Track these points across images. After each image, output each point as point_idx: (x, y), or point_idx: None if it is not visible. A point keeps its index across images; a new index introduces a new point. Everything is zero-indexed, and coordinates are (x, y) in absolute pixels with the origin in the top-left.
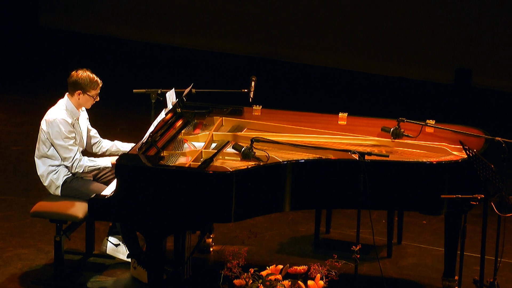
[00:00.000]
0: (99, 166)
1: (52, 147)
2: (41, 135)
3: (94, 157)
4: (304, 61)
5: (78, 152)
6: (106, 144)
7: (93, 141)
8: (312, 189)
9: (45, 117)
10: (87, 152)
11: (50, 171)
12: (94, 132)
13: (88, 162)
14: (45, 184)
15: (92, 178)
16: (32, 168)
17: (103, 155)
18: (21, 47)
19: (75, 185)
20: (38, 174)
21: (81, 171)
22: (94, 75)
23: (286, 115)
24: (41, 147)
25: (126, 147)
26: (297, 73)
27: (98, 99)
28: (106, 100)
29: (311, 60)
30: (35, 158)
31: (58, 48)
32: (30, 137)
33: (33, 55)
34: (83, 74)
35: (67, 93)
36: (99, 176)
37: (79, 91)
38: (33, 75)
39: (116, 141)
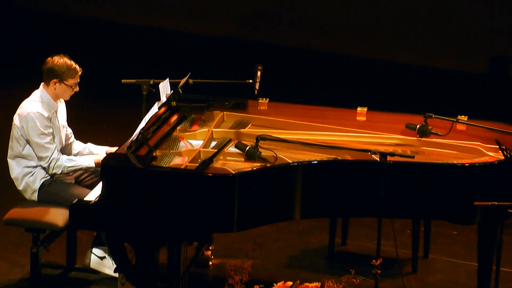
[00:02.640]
0: (81, 166)
1: (27, 145)
2: (14, 132)
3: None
4: (318, 48)
5: (56, 151)
6: (77, 146)
7: (66, 142)
8: (326, 195)
9: (18, 110)
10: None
11: (26, 173)
12: (69, 131)
13: (68, 162)
14: (20, 188)
15: (73, 181)
16: (4, 170)
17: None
18: None
19: (55, 189)
20: (12, 176)
21: (59, 172)
22: (72, 62)
23: (297, 109)
24: (14, 146)
25: (100, 150)
26: (309, 62)
27: (77, 89)
28: (89, 92)
29: (325, 47)
30: (8, 158)
31: (36, 31)
32: (2, 135)
33: (5, 39)
34: (60, 60)
35: (43, 83)
36: (82, 178)
37: (55, 80)
38: (6, 61)
39: (89, 144)
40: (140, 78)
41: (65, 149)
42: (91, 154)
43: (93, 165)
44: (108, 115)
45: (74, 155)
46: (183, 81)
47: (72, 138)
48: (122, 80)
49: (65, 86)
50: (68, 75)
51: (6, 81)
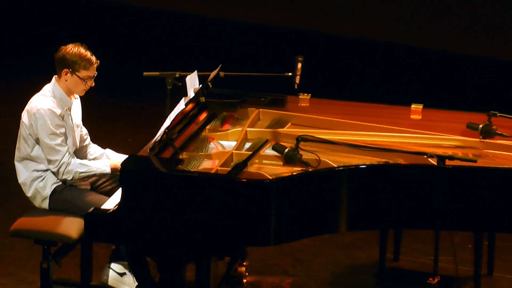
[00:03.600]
0: (94, 172)
1: (36, 146)
2: (22, 131)
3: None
4: (366, 36)
5: (67, 154)
6: (94, 151)
7: (81, 144)
8: (375, 204)
9: (27, 106)
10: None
11: (35, 178)
12: (84, 132)
13: (80, 167)
14: (29, 194)
15: (89, 187)
16: (11, 174)
17: None
18: None
19: (68, 196)
20: (19, 181)
21: (70, 178)
22: (88, 52)
23: (342, 106)
24: (22, 147)
25: (120, 158)
26: (356, 52)
27: (92, 83)
28: (106, 86)
29: (374, 35)
30: (15, 161)
31: (49, 14)
32: (9, 134)
33: (14, 23)
34: (74, 49)
35: (55, 75)
36: (99, 184)
37: (66, 70)
38: (14, 50)
39: (108, 150)
40: (164, 71)
41: (79, 153)
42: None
43: (108, 170)
44: (128, 113)
45: (91, 159)
46: (213, 74)
47: (88, 140)
48: (144, 73)
49: (77, 78)
50: (81, 65)
51: (9, 73)
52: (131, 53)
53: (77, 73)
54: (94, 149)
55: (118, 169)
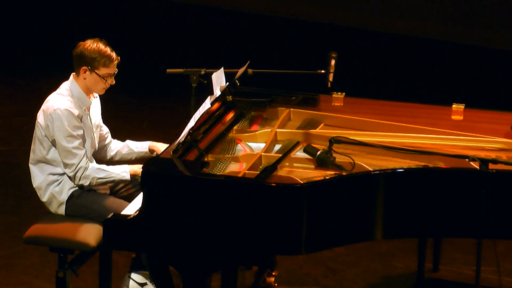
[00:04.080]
0: (113, 178)
1: (53, 148)
2: (37, 132)
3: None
4: (404, 32)
5: (84, 158)
6: (115, 146)
7: (102, 143)
8: (414, 210)
9: (43, 106)
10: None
11: (51, 182)
12: (105, 131)
13: (97, 173)
14: (44, 199)
15: (108, 192)
16: (25, 177)
17: (111, 160)
18: (12, 4)
19: (85, 201)
20: (34, 185)
21: (87, 183)
22: (108, 48)
23: (379, 106)
24: (37, 149)
25: (142, 147)
26: (394, 48)
27: (113, 82)
28: (127, 84)
29: (413, 31)
30: (30, 164)
31: (67, 8)
32: (23, 134)
33: (32, 18)
34: (93, 45)
35: (73, 73)
36: (118, 188)
37: (84, 67)
38: (30, 45)
39: (128, 141)
40: (188, 67)
41: (100, 152)
42: (131, 153)
43: (128, 177)
44: (150, 112)
45: (112, 157)
46: (241, 71)
47: (109, 139)
48: (167, 70)
49: (96, 76)
50: (101, 62)
51: (24, 70)
52: (153, 49)
53: (96, 70)
54: (114, 145)
55: (138, 175)
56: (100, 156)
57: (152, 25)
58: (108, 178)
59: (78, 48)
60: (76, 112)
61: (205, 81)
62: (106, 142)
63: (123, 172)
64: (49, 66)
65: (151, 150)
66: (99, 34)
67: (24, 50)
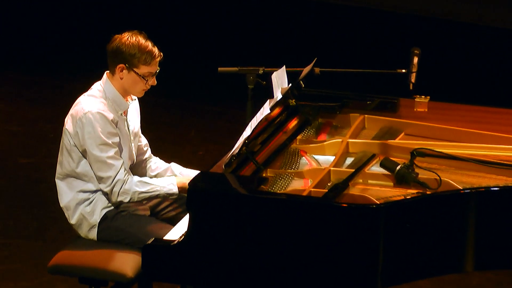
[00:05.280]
0: (158, 192)
1: (83, 160)
2: (65, 141)
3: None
4: (497, 24)
5: (122, 169)
6: (156, 166)
7: (140, 157)
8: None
9: (72, 110)
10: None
11: (81, 201)
12: (143, 142)
13: (139, 186)
14: (72, 221)
15: (149, 213)
16: (51, 194)
17: None
18: None
19: (121, 224)
20: (61, 205)
21: (127, 200)
22: (149, 43)
23: (470, 112)
24: (65, 161)
25: (189, 176)
26: (487, 44)
27: (154, 82)
28: (171, 85)
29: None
30: (57, 179)
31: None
32: (49, 144)
33: (61, 7)
34: (131, 39)
35: (107, 71)
36: (161, 209)
37: (121, 65)
38: (56, 39)
39: (173, 164)
40: (244, 65)
41: (137, 168)
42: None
43: (175, 190)
44: (198, 119)
45: (152, 177)
46: (306, 70)
47: (148, 153)
48: (219, 68)
49: (135, 75)
50: (141, 59)
51: (50, 68)
52: (202, 44)
53: (135, 69)
54: (155, 164)
55: (186, 189)
56: (137, 174)
57: (200, 17)
58: (152, 192)
59: (114, 42)
60: (110, 116)
61: (264, 82)
62: (145, 156)
63: (170, 184)
64: (80, 64)
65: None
66: (136, 28)
67: (51, 45)
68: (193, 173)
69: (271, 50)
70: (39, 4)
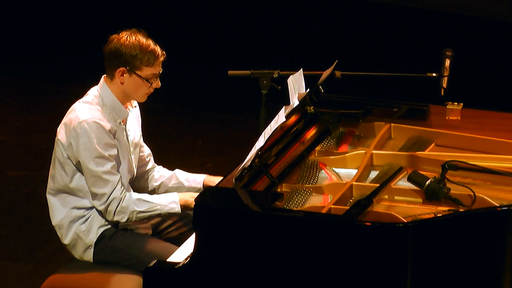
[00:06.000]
0: (159, 211)
1: (78, 174)
2: (58, 153)
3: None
4: None
5: (119, 185)
6: (159, 175)
7: (142, 168)
8: None
9: (65, 118)
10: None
11: (75, 218)
12: (146, 152)
13: (137, 204)
14: (66, 241)
15: (150, 232)
16: (43, 211)
17: (152, 193)
18: None
19: (120, 244)
20: (53, 223)
21: (124, 220)
22: (150, 41)
23: (509, 120)
24: (58, 175)
25: (195, 181)
26: None
27: (158, 85)
28: (175, 89)
29: None
30: (48, 195)
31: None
32: (40, 155)
33: (47, 7)
34: (131, 38)
35: (104, 75)
36: (164, 228)
37: (122, 68)
38: (46, 41)
39: (177, 171)
40: (257, 68)
41: (139, 180)
42: (179, 187)
43: (177, 209)
44: (206, 127)
45: (154, 188)
46: (326, 73)
47: (152, 163)
48: (229, 72)
49: (137, 78)
50: (143, 60)
51: (42, 71)
52: (209, 45)
53: (138, 71)
54: (158, 173)
55: (190, 207)
56: (139, 186)
57: (207, 13)
58: (152, 211)
59: (112, 43)
60: (108, 125)
61: (279, 87)
62: (148, 167)
63: (172, 202)
64: (75, 67)
65: (207, 187)
66: (131, 25)
67: (43, 46)
68: (200, 178)
69: (287, 51)
70: (26, 4)
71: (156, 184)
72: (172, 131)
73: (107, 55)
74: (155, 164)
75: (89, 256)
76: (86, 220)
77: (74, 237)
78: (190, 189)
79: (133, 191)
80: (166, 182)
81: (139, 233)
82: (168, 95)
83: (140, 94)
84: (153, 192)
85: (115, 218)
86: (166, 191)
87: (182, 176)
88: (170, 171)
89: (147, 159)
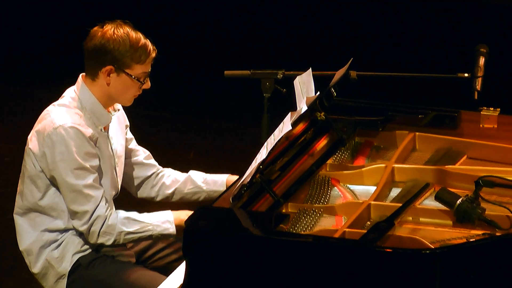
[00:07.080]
0: (150, 233)
1: (52, 190)
2: (29, 164)
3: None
4: None
5: (102, 202)
6: (171, 179)
7: (142, 172)
8: None
9: (37, 125)
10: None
11: (47, 243)
12: (144, 154)
13: (126, 225)
14: (35, 270)
15: (134, 260)
16: (8, 236)
17: (166, 202)
18: None
19: (99, 274)
20: (21, 248)
21: (110, 242)
22: (140, 34)
23: None
24: (27, 191)
25: (215, 183)
26: None
27: (149, 85)
28: (164, 93)
29: None
30: (15, 215)
31: None
32: (4, 169)
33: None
34: (118, 31)
35: (82, 74)
36: (150, 255)
37: (108, 67)
38: (13, 38)
39: (192, 172)
40: (258, 68)
41: (142, 189)
42: (198, 191)
43: (172, 230)
44: (199, 136)
45: (167, 196)
46: (339, 74)
47: (154, 167)
48: (226, 72)
49: (127, 78)
50: (134, 58)
51: (11, 75)
52: (204, 43)
53: (127, 69)
54: (169, 178)
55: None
56: (142, 196)
57: (202, 10)
58: (143, 232)
59: (95, 38)
60: (88, 132)
61: (284, 90)
62: (150, 172)
63: (165, 222)
64: (47, 66)
65: (199, 207)
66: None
67: (7, 43)
68: (220, 178)
69: (293, 48)
70: None
71: (169, 191)
72: (159, 142)
73: (90, 52)
74: (160, 167)
75: (62, 287)
76: (59, 245)
77: (45, 265)
78: (210, 194)
79: (135, 203)
80: (181, 187)
81: (121, 261)
82: (153, 99)
83: (127, 96)
84: (166, 199)
85: (100, 240)
86: (181, 199)
87: (198, 178)
88: (184, 174)
89: (147, 162)
